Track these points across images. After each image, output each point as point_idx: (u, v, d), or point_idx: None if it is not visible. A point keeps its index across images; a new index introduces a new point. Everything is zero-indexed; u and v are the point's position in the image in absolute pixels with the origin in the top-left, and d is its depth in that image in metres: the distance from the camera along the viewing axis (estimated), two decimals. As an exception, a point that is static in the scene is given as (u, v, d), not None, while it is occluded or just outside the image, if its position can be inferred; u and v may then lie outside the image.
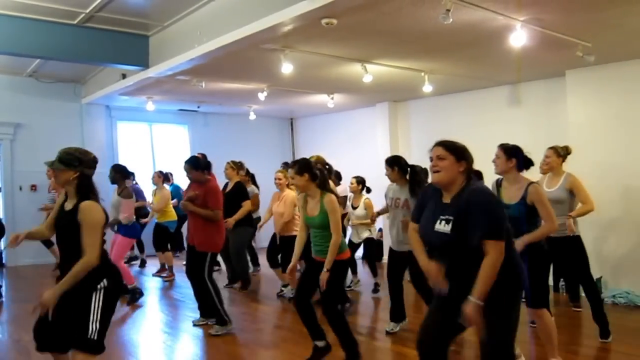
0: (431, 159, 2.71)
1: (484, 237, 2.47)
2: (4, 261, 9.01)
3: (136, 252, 9.42)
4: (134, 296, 6.42)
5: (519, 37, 4.81)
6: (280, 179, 6.37)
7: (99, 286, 2.90)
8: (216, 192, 5.17)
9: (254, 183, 7.90)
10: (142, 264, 9.22)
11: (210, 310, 5.11)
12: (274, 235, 6.48)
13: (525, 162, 3.79)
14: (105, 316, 2.91)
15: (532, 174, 3.97)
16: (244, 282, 7.17)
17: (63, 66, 8.24)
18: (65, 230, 2.97)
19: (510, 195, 3.70)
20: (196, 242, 5.08)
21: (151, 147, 10.64)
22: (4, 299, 6.40)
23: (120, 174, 6.43)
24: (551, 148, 4.68)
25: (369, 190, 7.00)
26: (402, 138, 9.59)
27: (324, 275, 3.85)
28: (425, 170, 4.79)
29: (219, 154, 9.45)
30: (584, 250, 4.63)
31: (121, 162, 9.90)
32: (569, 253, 4.56)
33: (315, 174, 4.02)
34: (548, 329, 3.78)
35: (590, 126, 6.49)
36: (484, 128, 7.89)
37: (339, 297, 4.37)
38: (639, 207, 6.16)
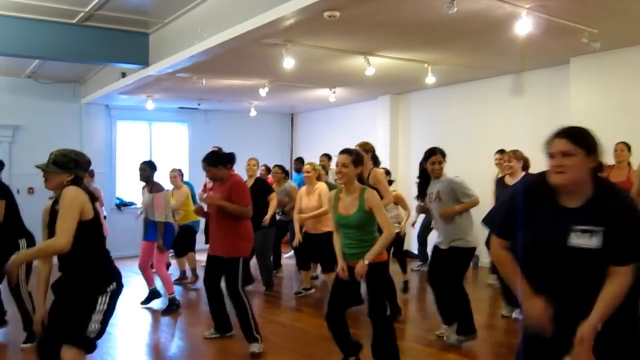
0: (551, 156, 2.09)
1: (633, 260, 2.02)
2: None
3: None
4: (172, 307, 5.90)
5: (525, 25, 4.77)
6: (309, 172, 5.93)
7: (109, 289, 2.94)
8: (243, 187, 4.58)
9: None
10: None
11: (244, 326, 4.42)
12: (304, 236, 5.99)
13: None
14: (106, 318, 2.94)
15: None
16: (267, 283, 6.72)
17: (62, 66, 8.18)
18: None
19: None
20: (224, 250, 4.47)
21: (149, 146, 10.55)
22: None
23: (153, 170, 5.96)
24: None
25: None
26: (403, 130, 9.55)
27: (361, 269, 3.47)
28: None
29: (221, 151, 9.43)
30: None
31: (120, 161, 9.91)
32: None
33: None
34: None
35: (593, 114, 6.42)
36: (486, 118, 7.83)
37: (388, 305, 3.91)
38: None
